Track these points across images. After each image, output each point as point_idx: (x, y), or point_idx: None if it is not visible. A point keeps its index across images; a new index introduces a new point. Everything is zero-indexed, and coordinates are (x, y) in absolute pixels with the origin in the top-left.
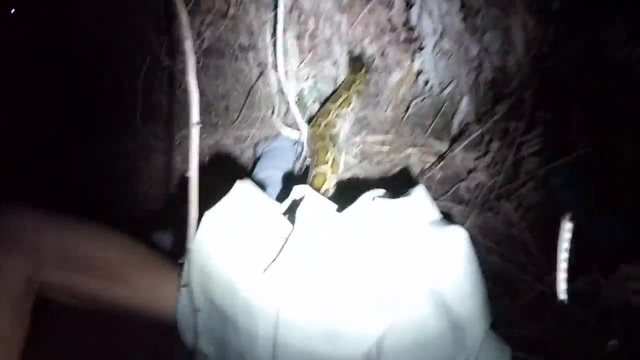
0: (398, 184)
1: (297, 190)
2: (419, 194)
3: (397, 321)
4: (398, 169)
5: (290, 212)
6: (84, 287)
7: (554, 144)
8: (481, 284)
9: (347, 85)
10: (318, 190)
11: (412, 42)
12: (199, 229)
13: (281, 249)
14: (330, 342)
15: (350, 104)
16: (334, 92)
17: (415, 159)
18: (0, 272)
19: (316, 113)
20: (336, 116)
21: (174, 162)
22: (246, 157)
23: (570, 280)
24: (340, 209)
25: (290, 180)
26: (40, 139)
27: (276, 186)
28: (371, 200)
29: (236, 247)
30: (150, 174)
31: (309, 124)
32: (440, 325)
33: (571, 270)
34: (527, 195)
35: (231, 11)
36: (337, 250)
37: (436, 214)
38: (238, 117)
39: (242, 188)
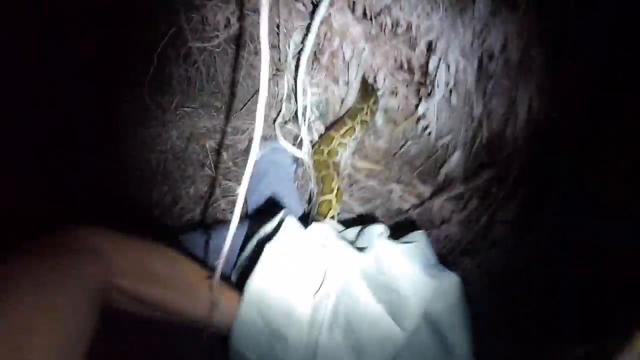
0: (375, 214)
1: (319, 229)
2: (421, 240)
3: (412, 340)
4: (379, 200)
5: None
6: (152, 296)
7: (526, 221)
8: (468, 321)
9: (353, 114)
10: (325, 217)
11: (422, 86)
12: (262, 259)
13: (323, 279)
14: (358, 355)
15: (353, 133)
16: (339, 118)
17: (397, 195)
18: (78, 276)
19: (319, 138)
20: (339, 144)
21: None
22: (239, 148)
23: None
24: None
25: (295, 202)
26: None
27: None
28: (379, 238)
29: (291, 275)
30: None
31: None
32: (437, 346)
33: None
34: (490, 260)
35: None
36: (362, 281)
37: (434, 259)
38: (242, 108)
39: (290, 223)
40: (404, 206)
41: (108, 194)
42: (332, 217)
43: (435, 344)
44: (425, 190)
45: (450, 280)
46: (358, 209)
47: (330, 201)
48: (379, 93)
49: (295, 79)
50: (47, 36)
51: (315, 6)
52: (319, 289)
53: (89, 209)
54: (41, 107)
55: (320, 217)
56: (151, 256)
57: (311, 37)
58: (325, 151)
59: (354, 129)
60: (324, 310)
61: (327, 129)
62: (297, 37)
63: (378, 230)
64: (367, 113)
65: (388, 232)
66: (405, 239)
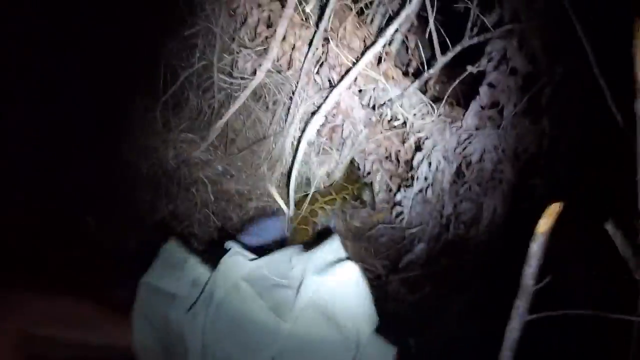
0: None
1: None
2: (334, 241)
3: (297, 328)
4: None
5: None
6: (67, 336)
7: (457, 319)
8: (367, 300)
9: (337, 188)
10: None
11: (405, 178)
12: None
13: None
14: (243, 348)
15: (334, 204)
16: (325, 188)
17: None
18: None
19: (303, 197)
20: (320, 208)
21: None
22: (224, 187)
23: None
24: None
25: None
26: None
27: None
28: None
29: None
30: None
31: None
32: (330, 332)
33: None
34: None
35: (288, 72)
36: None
37: (343, 254)
38: (238, 154)
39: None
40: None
41: (99, 190)
42: None
43: (322, 327)
44: (384, 271)
45: (348, 267)
46: None
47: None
48: (363, 179)
49: (297, 142)
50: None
51: (331, 85)
52: (198, 297)
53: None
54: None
55: None
56: (59, 301)
57: (321, 114)
58: (308, 210)
59: (335, 201)
60: (204, 314)
61: (313, 194)
62: (306, 106)
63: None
64: (349, 193)
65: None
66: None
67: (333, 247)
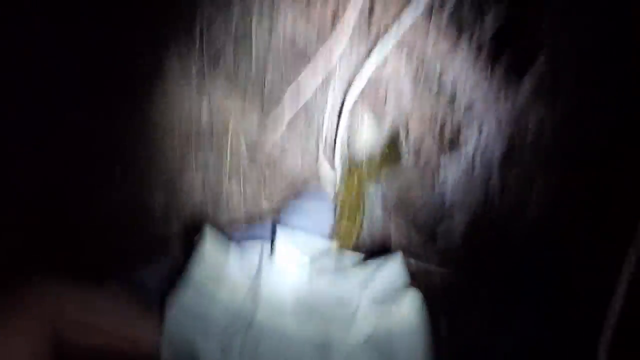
0: None
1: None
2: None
3: None
4: None
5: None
6: (99, 344)
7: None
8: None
9: (381, 162)
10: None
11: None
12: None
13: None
14: None
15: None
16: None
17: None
18: (23, 334)
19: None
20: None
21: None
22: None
23: None
24: None
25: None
26: None
27: None
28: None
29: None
30: None
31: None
32: None
33: None
34: None
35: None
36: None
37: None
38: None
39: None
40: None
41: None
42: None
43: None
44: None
45: (410, 303)
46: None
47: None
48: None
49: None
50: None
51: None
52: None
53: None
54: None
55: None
56: (92, 306)
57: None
58: (356, 179)
59: (378, 174)
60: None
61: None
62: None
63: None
64: (391, 166)
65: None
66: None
67: (395, 269)
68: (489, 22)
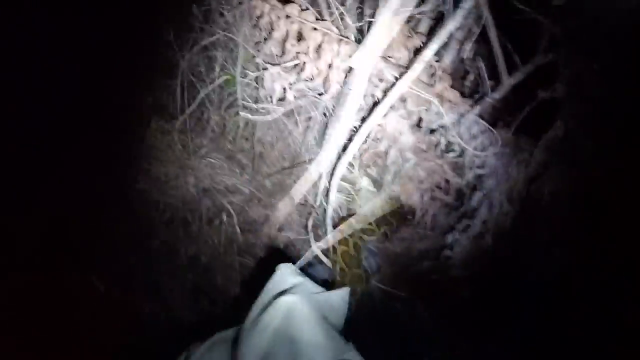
0: None
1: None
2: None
3: None
4: None
5: None
6: None
7: None
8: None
9: (380, 221)
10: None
11: (454, 210)
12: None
13: None
14: None
15: (374, 235)
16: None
17: None
18: None
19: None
20: (360, 238)
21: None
22: (250, 217)
23: None
24: None
25: None
26: None
27: None
28: None
29: None
30: None
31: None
32: None
33: None
34: None
35: (325, 94)
36: None
37: None
38: (271, 175)
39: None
40: None
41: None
42: None
43: None
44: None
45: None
46: None
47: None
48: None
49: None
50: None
51: (375, 105)
52: None
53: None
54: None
55: None
56: None
57: (359, 139)
58: (351, 243)
59: (377, 233)
60: None
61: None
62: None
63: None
64: (390, 226)
65: None
66: None
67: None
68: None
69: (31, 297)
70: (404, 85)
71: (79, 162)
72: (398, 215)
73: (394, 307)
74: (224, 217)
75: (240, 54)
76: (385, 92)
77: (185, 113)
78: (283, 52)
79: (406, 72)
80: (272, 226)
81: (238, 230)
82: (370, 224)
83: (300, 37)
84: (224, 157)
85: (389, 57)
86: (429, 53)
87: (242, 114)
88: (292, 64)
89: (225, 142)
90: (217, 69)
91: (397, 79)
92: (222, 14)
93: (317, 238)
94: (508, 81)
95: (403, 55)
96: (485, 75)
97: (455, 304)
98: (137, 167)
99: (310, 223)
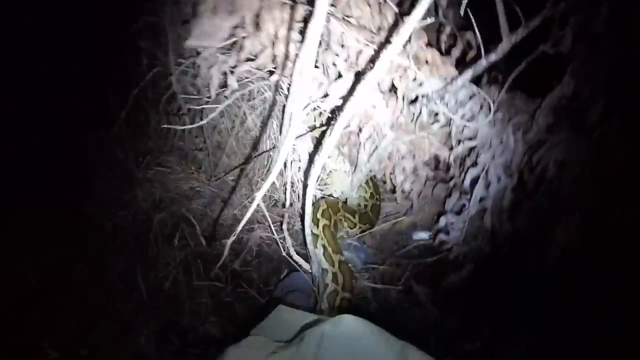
0: None
1: None
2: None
3: None
4: None
5: None
6: None
7: None
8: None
9: (361, 217)
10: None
11: (445, 183)
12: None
13: None
14: None
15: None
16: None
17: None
18: None
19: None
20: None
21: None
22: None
23: None
24: None
25: None
26: None
27: None
28: None
29: None
30: None
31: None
32: None
33: None
34: None
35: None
36: None
37: None
38: (229, 172)
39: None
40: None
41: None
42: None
43: None
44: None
45: None
46: None
47: (350, 300)
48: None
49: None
50: None
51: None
52: None
53: None
54: None
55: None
56: None
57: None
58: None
59: (355, 227)
60: None
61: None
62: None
63: None
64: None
65: None
66: None
67: None
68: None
69: None
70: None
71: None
72: (378, 212)
73: (392, 301)
74: (185, 229)
75: (170, 38)
76: (349, 60)
77: (120, 118)
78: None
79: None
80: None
81: (203, 240)
82: (353, 215)
83: (232, 8)
84: (175, 159)
85: (347, 17)
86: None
87: (184, 107)
88: (228, 42)
89: (173, 141)
90: (145, 61)
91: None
92: None
93: (294, 238)
94: (508, 39)
95: (365, 13)
96: (479, 35)
97: (456, 287)
98: (78, 189)
99: (285, 221)
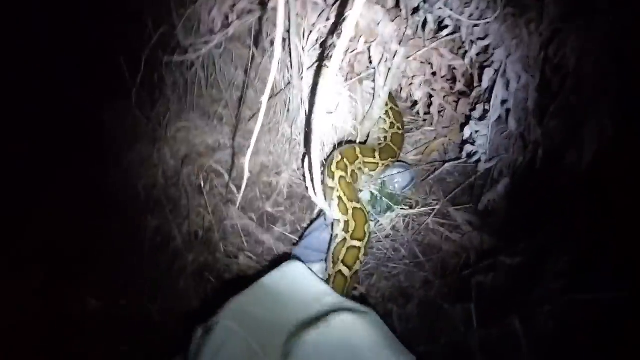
0: None
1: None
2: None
3: None
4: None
5: None
6: None
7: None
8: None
9: (382, 151)
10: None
11: (465, 96)
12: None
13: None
14: None
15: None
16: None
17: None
18: None
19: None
20: (359, 169)
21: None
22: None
23: None
24: None
25: None
26: None
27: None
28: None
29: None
30: None
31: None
32: None
33: None
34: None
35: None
36: None
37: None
38: (251, 118)
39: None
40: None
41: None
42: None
43: None
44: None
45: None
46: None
47: (359, 249)
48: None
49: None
50: None
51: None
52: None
53: None
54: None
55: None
56: None
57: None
58: (349, 170)
59: (377, 166)
60: None
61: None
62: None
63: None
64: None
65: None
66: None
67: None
68: None
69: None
70: None
71: (36, 165)
72: (400, 141)
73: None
74: (214, 179)
75: None
76: None
77: (136, 84)
78: None
79: None
80: (270, 172)
81: (234, 189)
82: (372, 154)
83: None
84: (197, 115)
85: None
86: None
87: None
88: None
89: (192, 98)
90: (150, 24)
91: None
92: None
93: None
94: None
95: None
96: None
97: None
98: (105, 161)
99: (304, 161)
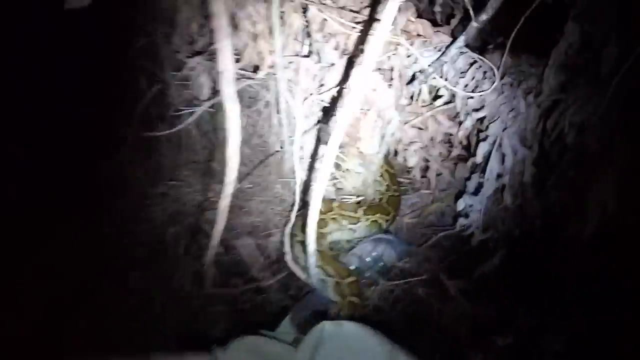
0: None
1: None
2: None
3: None
4: None
5: None
6: None
7: None
8: None
9: (374, 210)
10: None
11: (462, 161)
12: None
13: None
14: None
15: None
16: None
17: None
18: None
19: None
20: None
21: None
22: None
23: None
24: None
25: None
26: None
27: None
28: None
29: None
30: None
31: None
32: None
33: None
34: None
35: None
36: None
37: None
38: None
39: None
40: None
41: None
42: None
43: None
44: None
45: None
46: None
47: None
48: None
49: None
50: None
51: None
52: None
53: None
54: None
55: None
56: None
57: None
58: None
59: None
60: None
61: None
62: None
63: None
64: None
65: None
66: None
67: None
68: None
69: None
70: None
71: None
72: (396, 203)
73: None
74: (201, 240)
75: (165, 55)
76: (339, 48)
77: (129, 138)
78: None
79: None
80: (259, 235)
81: (222, 249)
82: (354, 210)
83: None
84: (189, 172)
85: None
86: None
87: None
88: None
89: (185, 155)
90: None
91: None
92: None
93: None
94: None
95: None
96: None
97: (488, 277)
98: (96, 212)
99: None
